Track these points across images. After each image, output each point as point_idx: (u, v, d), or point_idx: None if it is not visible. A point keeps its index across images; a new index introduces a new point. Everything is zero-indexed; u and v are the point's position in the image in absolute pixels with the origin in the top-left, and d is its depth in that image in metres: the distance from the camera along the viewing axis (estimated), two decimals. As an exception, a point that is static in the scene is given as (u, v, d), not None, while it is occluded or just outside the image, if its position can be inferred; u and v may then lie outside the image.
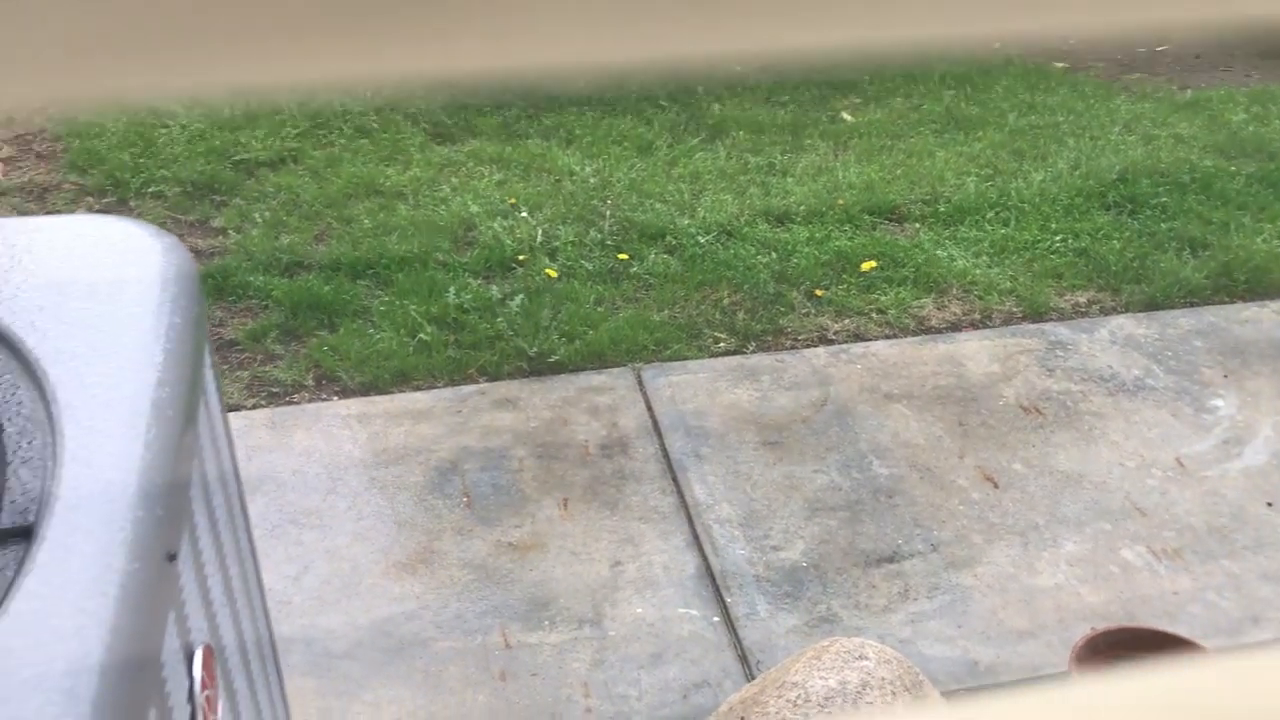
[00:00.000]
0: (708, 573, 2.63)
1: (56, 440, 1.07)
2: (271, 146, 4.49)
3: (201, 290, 1.36)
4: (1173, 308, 3.70)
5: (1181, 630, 2.34)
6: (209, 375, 1.35)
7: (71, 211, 4.07)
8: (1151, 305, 3.71)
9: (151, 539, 0.99)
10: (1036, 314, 3.66)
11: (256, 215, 4.04)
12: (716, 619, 2.51)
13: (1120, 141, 4.71)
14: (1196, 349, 3.47)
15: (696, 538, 2.73)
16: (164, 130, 4.59)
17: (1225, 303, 3.72)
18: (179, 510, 1.09)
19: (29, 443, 1.08)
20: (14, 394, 1.14)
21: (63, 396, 1.12)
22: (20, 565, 0.93)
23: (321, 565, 2.63)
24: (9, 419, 1.10)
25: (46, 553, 0.94)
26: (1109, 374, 3.35)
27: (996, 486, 2.90)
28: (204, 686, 1.07)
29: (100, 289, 1.28)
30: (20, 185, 4.25)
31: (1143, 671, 0.37)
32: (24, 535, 0.96)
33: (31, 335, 1.20)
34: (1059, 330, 3.57)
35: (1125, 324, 3.60)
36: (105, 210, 4.05)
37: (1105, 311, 3.69)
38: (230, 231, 3.98)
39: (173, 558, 1.03)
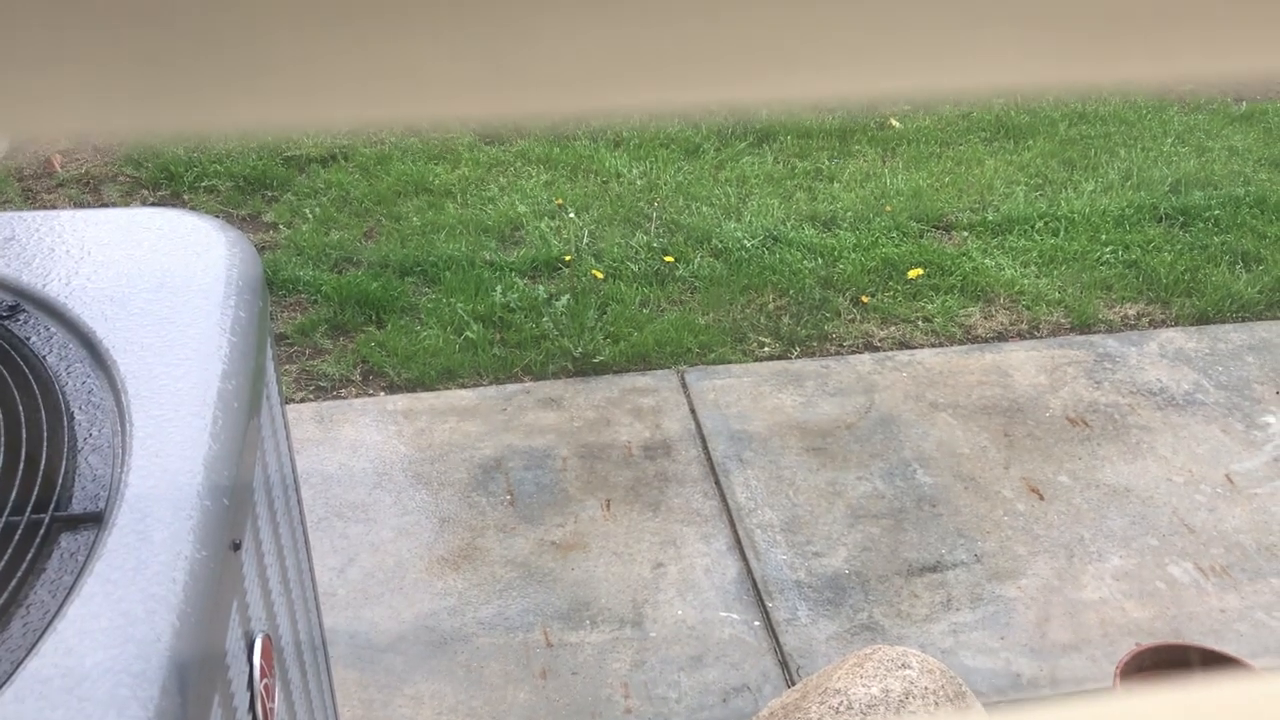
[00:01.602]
0: (749, 577, 2.63)
1: (126, 429, 1.09)
2: (322, 143, 4.54)
3: (264, 284, 1.38)
4: (1224, 322, 3.66)
5: (1229, 649, 2.31)
6: (270, 369, 1.37)
7: (126, 204, 4.13)
8: (1202, 319, 3.66)
9: (218, 528, 1.01)
10: (1085, 325, 3.63)
11: (307, 211, 4.09)
12: (757, 623, 2.51)
13: (1173, 153, 4.66)
14: (1248, 364, 3.43)
15: (738, 542, 2.73)
16: (217, 125, 4.65)
17: (1278, 318, 3.67)
18: (243, 500, 1.11)
19: (99, 431, 1.10)
20: (84, 383, 1.16)
21: (132, 386, 1.14)
22: (91, 550, 0.95)
23: (366, 559, 2.65)
24: (80, 407, 1.13)
25: (116, 539, 0.96)
26: (1158, 387, 3.32)
27: (1042, 498, 2.88)
28: (263, 675, 1.09)
29: (168, 281, 1.30)
30: (76, 177, 4.33)
31: (1189, 688, 0.37)
32: (95, 521, 0.99)
33: (101, 326, 1.22)
34: (1107, 342, 3.54)
35: (1175, 337, 3.57)
36: (159, 203, 4.11)
37: (1155, 324, 3.65)
38: (281, 226, 4.02)
39: (237, 547, 1.04)
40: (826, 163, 4.55)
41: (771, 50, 0.24)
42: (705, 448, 3.04)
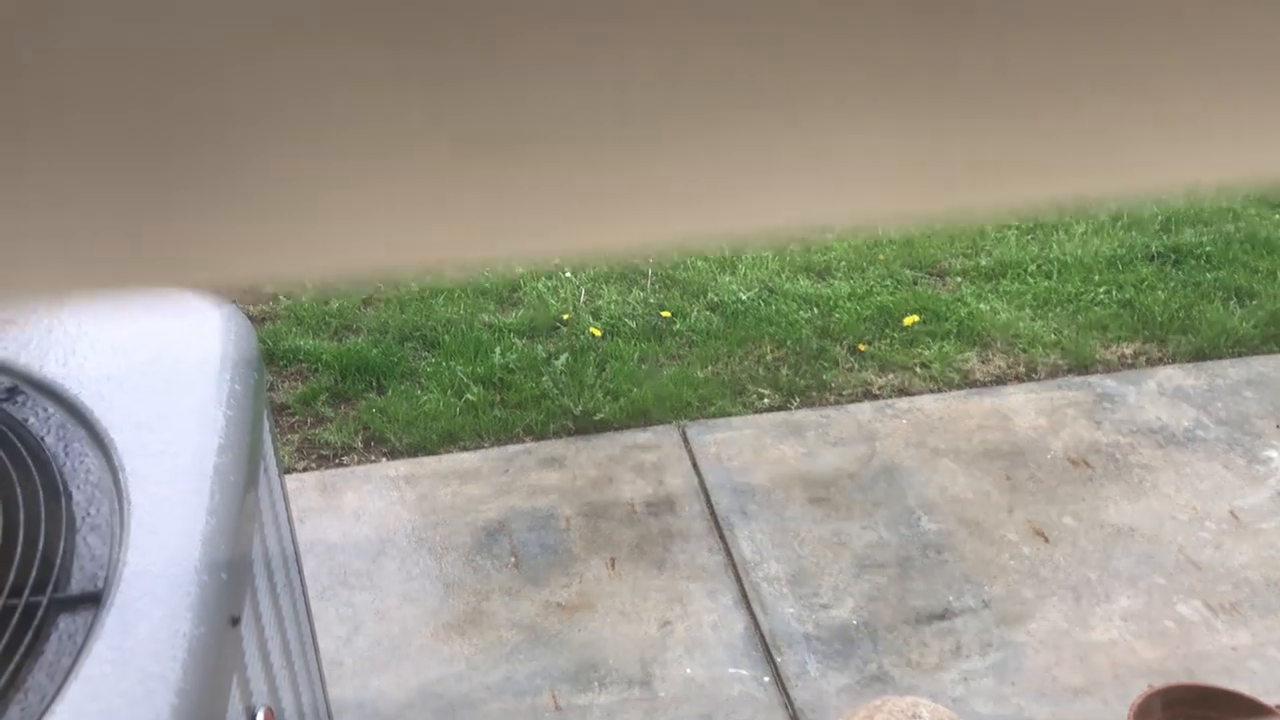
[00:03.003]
0: (757, 632, 2.62)
1: (123, 507, 1.10)
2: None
3: (261, 357, 1.40)
4: (1221, 358, 3.66)
5: (1243, 687, 2.29)
6: (268, 440, 1.38)
7: (126, 279, 4.16)
8: (1199, 356, 3.67)
9: (216, 603, 1.01)
10: (1082, 366, 3.64)
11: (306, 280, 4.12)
12: (767, 679, 2.49)
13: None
14: (1247, 399, 3.43)
15: (745, 596, 2.72)
16: (215, 199, 4.70)
17: (1275, 352, 3.68)
18: (241, 575, 1.11)
19: (97, 510, 1.11)
20: (82, 462, 1.17)
21: (129, 464, 1.15)
22: (90, 630, 0.95)
23: (372, 626, 2.64)
24: (78, 487, 1.14)
25: (115, 618, 0.96)
26: (1158, 425, 3.32)
27: (1047, 541, 2.87)
28: (265, 749, 1.09)
29: (164, 357, 1.31)
30: (77, 255, 4.36)
31: None
32: (93, 601, 0.99)
33: (98, 404, 1.24)
34: (1106, 382, 3.54)
35: (1173, 375, 3.57)
36: (159, 278, 4.14)
37: (1152, 363, 3.66)
38: (281, 297, 4.05)
39: (236, 621, 1.05)
40: (819, 214, 4.59)
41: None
42: (709, 502, 3.04)
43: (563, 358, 3.62)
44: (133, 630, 0.95)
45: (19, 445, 1.17)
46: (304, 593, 1.54)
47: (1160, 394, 3.47)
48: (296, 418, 3.43)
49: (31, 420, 1.23)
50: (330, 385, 3.54)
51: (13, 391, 1.26)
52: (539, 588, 2.76)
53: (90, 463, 1.17)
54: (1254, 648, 2.53)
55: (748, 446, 3.26)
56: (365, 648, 2.58)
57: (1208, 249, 4.22)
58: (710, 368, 3.62)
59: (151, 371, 1.30)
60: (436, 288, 4.03)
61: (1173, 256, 4.20)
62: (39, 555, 1.03)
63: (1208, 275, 4.08)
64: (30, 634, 0.93)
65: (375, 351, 3.65)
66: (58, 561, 1.02)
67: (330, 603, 2.70)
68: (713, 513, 3.00)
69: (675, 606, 2.69)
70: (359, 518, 3.00)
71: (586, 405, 3.41)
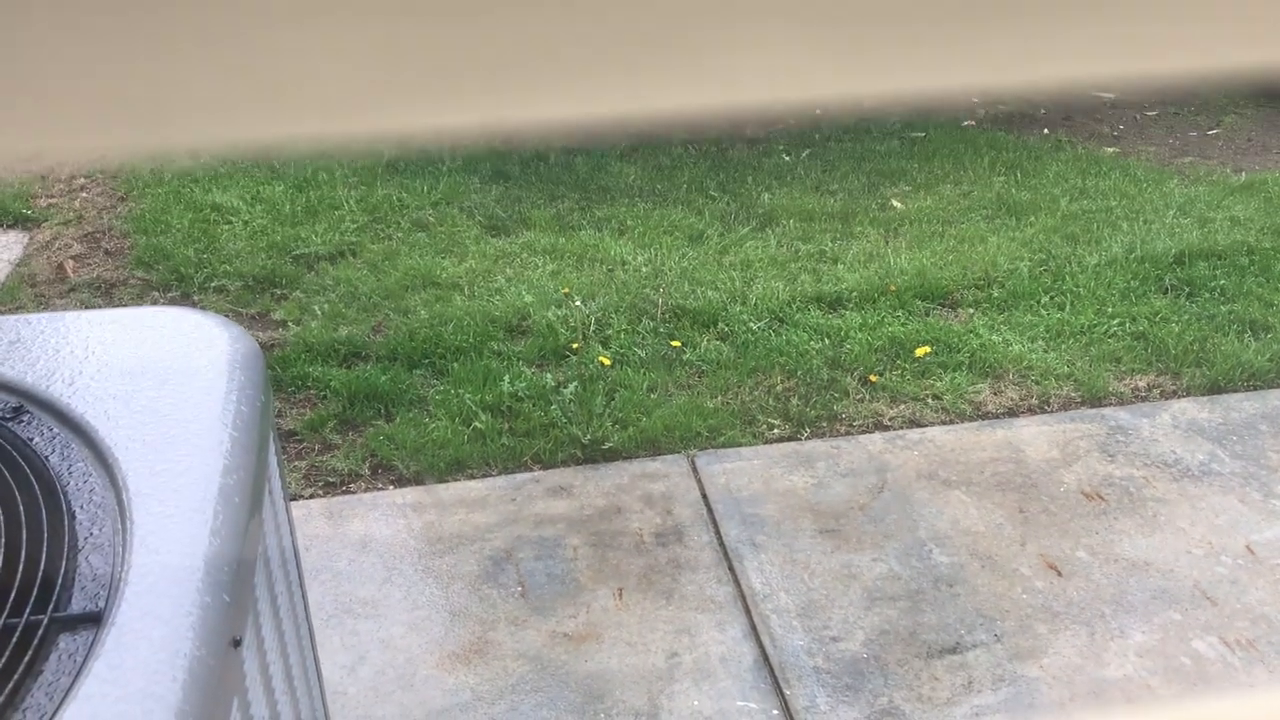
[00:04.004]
0: (766, 664, 2.59)
1: (126, 527, 1.09)
2: (331, 241, 4.59)
3: (267, 379, 1.39)
4: (1236, 391, 3.64)
5: (1260, 725, 2.25)
6: (273, 462, 1.37)
7: (137, 306, 4.17)
8: (1214, 389, 3.65)
9: (218, 625, 0.99)
10: (1095, 399, 3.61)
11: (315, 308, 4.12)
12: (775, 712, 2.46)
13: (1175, 225, 4.68)
14: (1262, 433, 3.40)
15: (754, 628, 2.69)
16: (227, 226, 4.72)
17: (1290, 386, 3.65)
18: (244, 596, 1.10)
19: (99, 529, 1.10)
20: (86, 482, 1.16)
21: (133, 483, 1.14)
22: (90, 650, 0.94)
23: (377, 655, 2.62)
24: (81, 506, 1.12)
25: (115, 638, 0.95)
26: (1172, 459, 3.29)
27: (1060, 574, 2.84)
28: (265, 775, 1.07)
29: (170, 378, 1.31)
30: (88, 281, 4.38)
31: None
32: (94, 621, 0.98)
33: (104, 424, 1.23)
34: (1119, 415, 3.52)
35: (1187, 408, 3.54)
36: (170, 304, 4.15)
37: (1166, 396, 3.63)
38: (290, 324, 4.05)
39: (238, 643, 1.03)
40: (830, 244, 4.58)
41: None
42: (717, 532, 3.01)
43: (571, 386, 3.61)
44: (133, 650, 0.93)
45: (23, 464, 1.16)
46: (308, 617, 1.53)
47: (1174, 427, 3.44)
48: (304, 444, 3.42)
49: (36, 439, 1.22)
50: (338, 412, 3.53)
51: (18, 410, 1.25)
52: (545, 618, 2.73)
53: (94, 482, 1.16)
54: (1271, 684, 2.49)
55: (757, 477, 3.24)
56: (369, 677, 2.56)
57: (1221, 282, 4.20)
58: (720, 397, 3.60)
59: (157, 392, 1.29)
60: (446, 315, 4.02)
61: (1186, 289, 4.19)
62: (40, 574, 1.02)
63: (1222, 308, 4.05)
64: (30, 653, 0.92)
65: (384, 378, 3.65)
66: (59, 581, 1.01)
67: (335, 631, 2.68)
68: (721, 543, 2.97)
69: (683, 638, 2.66)
70: (365, 545, 2.98)
71: (595, 434, 3.39)
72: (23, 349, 1.38)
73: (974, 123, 5.98)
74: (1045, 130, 5.93)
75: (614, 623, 2.71)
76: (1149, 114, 6.16)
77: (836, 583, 2.83)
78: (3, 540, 1.05)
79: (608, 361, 3.77)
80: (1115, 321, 3.97)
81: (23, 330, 1.42)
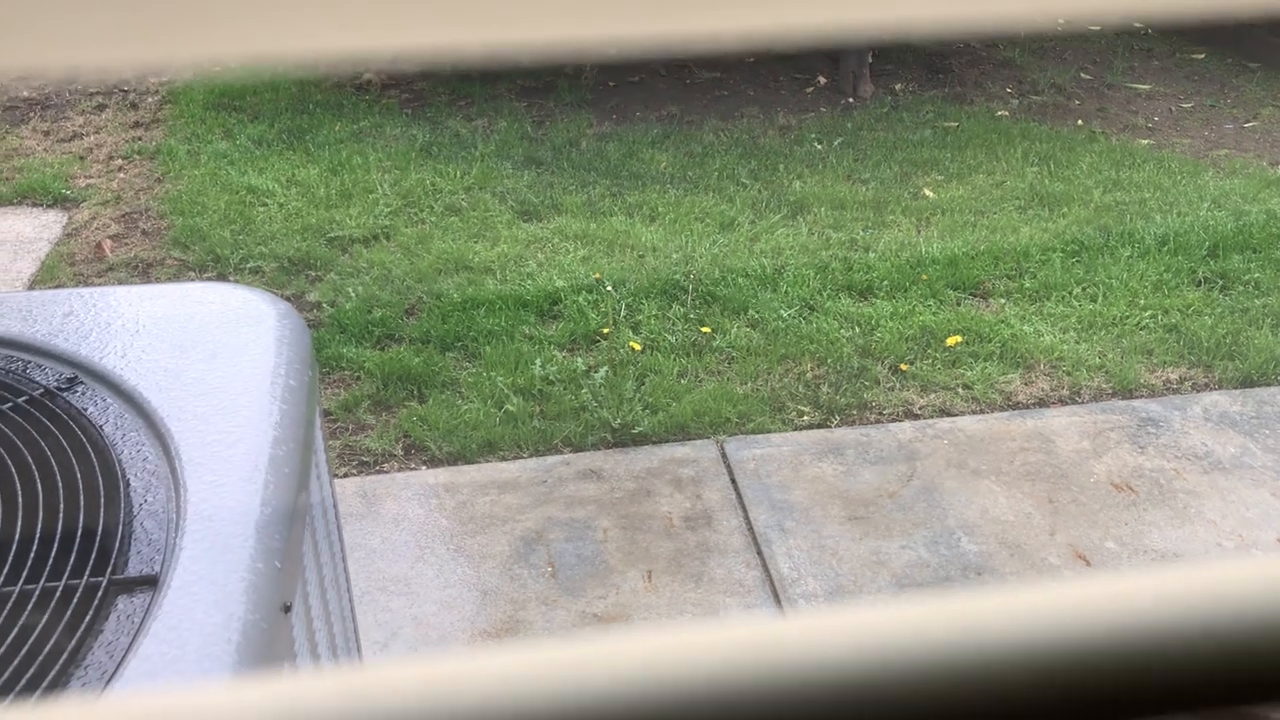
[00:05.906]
0: (793, 647, 2.60)
1: (180, 494, 1.12)
2: (365, 224, 4.63)
3: (313, 354, 1.42)
4: (1269, 385, 3.62)
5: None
6: (319, 436, 1.40)
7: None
8: (1246, 382, 3.63)
9: (269, 590, 1.02)
10: (1126, 390, 3.60)
11: (350, 290, 4.16)
12: (803, 694, 2.48)
13: (1209, 217, 4.65)
14: (1295, 427, 3.38)
15: (782, 612, 2.71)
16: (262, 208, 4.76)
17: (1324, 380, 3.63)
18: (293, 564, 1.12)
19: (153, 496, 1.13)
20: (140, 451, 1.19)
21: (186, 454, 1.17)
22: (147, 611, 0.97)
23: (409, 632, 2.66)
24: (135, 474, 1.16)
25: (171, 600, 0.98)
26: (1203, 451, 3.28)
27: (1089, 565, 2.84)
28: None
29: (220, 351, 1.34)
30: (126, 261, 4.43)
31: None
32: (150, 584, 1.01)
33: (156, 395, 1.26)
34: (1150, 407, 3.51)
35: (1219, 401, 3.53)
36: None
37: (1198, 388, 3.62)
38: (324, 305, 4.10)
39: (288, 609, 1.06)
40: (861, 233, 4.58)
41: None
42: (746, 517, 3.03)
43: (602, 371, 3.63)
44: (189, 613, 0.96)
45: (79, 433, 1.19)
46: (349, 589, 1.56)
47: (1206, 419, 3.43)
48: (338, 424, 3.46)
49: (90, 409, 1.25)
50: (372, 393, 3.57)
51: (73, 381, 1.29)
52: (575, 598, 2.76)
53: (147, 451, 1.19)
54: (1300, 678, 2.49)
55: (786, 463, 3.25)
56: (402, 653, 2.60)
57: (1256, 275, 4.18)
58: (750, 384, 3.62)
59: (207, 365, 1.32)
60: (478, 298, 4.05)
61: (1220, 282, 4.16)
62: (98, 539, 1.05)
63: (1256, 301, 4.03)
64: (90, 613, 0.95)
65: (417, 360, 3.68)
66: (116, 545, 1.04)
67: (369, 608, 2.72)
68: (750, 528, 2.99)
69: (711, 621, 2.68)
70: (398, 524, 3.02)
71: (625, 418, 3.42)
72: (75, 322, 1.41)
73: (1008, 113, 5.95)
74: (1079, 121, 5.89)
75: (643, 604, 2.74)
76: (1184, 105, 6.11)
77: (865, 569, 2.85)
78: (62, 506, 1.08)
79: (638, 347, 3.79)
80: (1147, 314, 3.95)
81: (75, 304, 1.46)
